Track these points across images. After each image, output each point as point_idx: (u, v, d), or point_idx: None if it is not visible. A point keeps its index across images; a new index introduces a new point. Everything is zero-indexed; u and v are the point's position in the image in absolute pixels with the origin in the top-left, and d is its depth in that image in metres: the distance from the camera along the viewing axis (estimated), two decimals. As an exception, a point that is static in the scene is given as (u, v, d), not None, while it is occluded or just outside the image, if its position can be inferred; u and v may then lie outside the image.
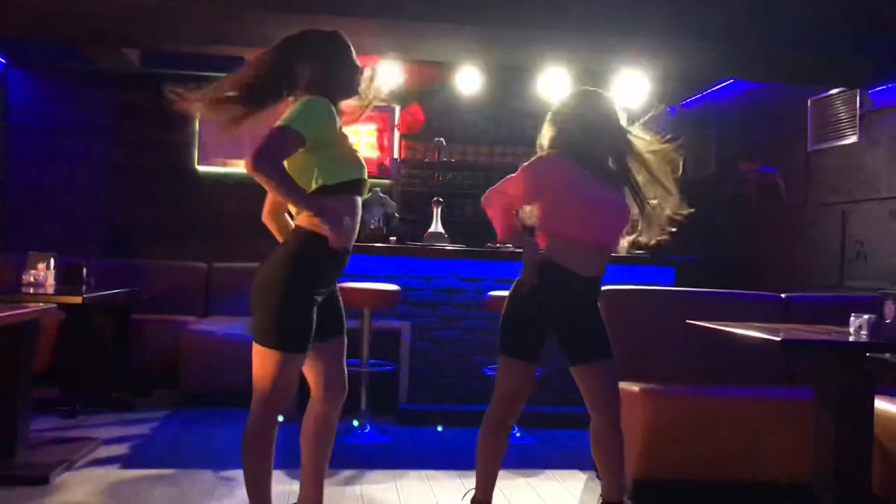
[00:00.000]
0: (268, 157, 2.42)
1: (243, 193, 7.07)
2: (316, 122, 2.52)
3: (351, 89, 2.73)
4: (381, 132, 7.30)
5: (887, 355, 2.66)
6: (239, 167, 7.09)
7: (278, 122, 2.50)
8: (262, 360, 2.56)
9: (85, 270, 4.95)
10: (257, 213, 7.61)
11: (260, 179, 2.44)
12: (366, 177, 2.73)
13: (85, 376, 5.14)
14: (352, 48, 2.74)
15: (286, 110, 2.56)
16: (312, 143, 2.51)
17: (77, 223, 6.81)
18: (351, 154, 2.69)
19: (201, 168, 7.08)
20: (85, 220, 6.86)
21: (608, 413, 2.88)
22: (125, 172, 6.97)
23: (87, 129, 6.98)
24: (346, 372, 2.81)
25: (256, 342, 2.57)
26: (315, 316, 2.58)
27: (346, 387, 2.80)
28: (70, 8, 4.23)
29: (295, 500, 2.84)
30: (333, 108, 2.60)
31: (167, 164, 7.04)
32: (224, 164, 7.07)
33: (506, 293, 4.85)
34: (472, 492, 3.07)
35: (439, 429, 4.89)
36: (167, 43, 5.13)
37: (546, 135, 3.01)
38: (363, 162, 2.74)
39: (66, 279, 4.87)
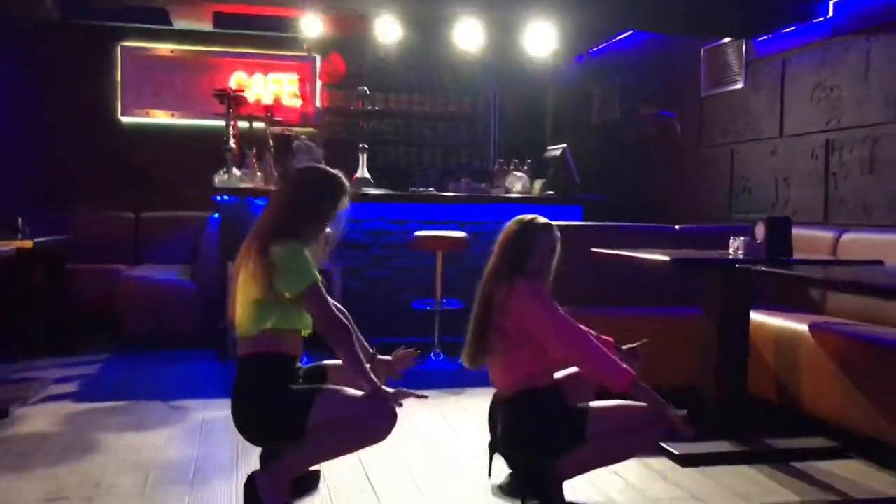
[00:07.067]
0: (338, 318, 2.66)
1: (167, 143, 7.21)
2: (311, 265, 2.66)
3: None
4: (302, 81, 7.50)
5: (760, 267, 3.16)
6: (162, 117, 7.20)
7: (304, 285, 2.59)
8: None
9: (20, 220, 5.09)
10: (182, 163, 7.85)
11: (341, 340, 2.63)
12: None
13: (23, 323, 5.30)
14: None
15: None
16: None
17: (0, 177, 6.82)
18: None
19: (125, 118, 7.16)
20: (8, 173, 6.85)
21: None
22: (48, 125, 6.99)
23: (7, 81, 6.95)
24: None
25: None
26: None
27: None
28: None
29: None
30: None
31: (90, 116, 7.09)
32: (147, 115, 7.17)
33: (432, 233, 5.18)
34: None
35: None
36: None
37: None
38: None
39: (1, 228, 5.00)
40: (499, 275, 2.93)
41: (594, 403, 2.82)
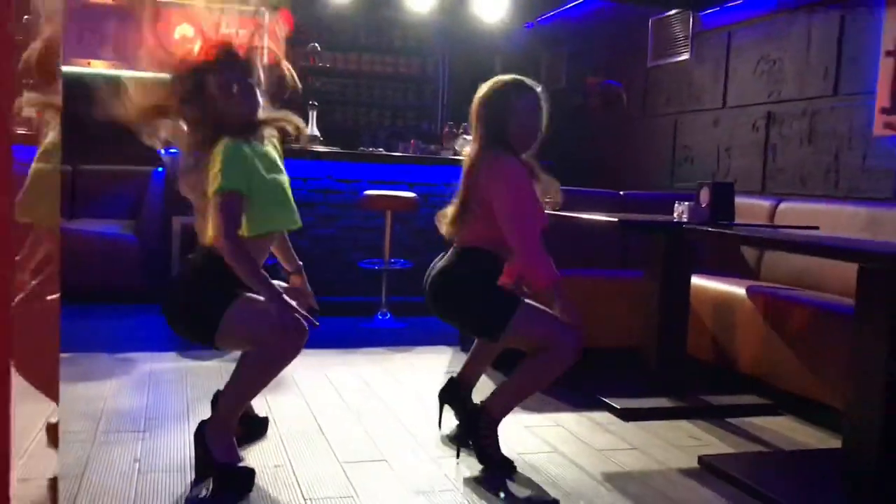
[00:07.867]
0: (234, 232, 2.46)
1: (107, 95, 7.00)
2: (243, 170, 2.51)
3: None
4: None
5: (706, 228, 3.27)
6: (102, 67, 7.00)
7: (215, 186, 2.45)
8: None
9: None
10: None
11: (230, 258, 2.45)
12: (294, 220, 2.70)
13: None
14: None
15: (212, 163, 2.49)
16: (247, 193, 2.51)
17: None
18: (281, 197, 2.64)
19: (62, 68, 6.94)
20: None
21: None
22: (-20, 71, 6.72)
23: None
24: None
25: None
26: None
27: None
28: None
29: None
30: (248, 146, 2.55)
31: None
32: (88, 65, 6.96)
33: (382, 192, 5.19)
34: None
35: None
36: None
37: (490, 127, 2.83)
38: (293, 205, 2.68)
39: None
40: (482, 148, 2.81)
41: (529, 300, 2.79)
